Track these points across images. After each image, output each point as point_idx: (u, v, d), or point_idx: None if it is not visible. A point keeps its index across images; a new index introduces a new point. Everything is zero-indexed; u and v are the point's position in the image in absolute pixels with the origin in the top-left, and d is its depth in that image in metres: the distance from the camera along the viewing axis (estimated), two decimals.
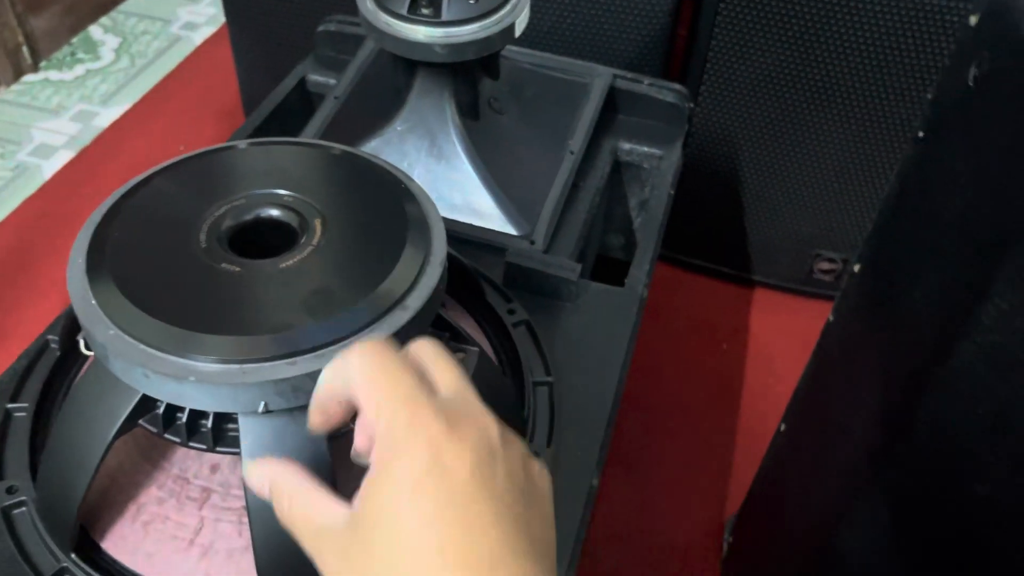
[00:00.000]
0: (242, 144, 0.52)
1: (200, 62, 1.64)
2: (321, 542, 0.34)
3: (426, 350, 0.36)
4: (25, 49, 1.58)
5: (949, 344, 0.42)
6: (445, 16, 0.62)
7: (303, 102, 0.87)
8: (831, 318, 0.67)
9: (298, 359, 0.40)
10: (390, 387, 0.33)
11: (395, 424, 0.32)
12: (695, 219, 1.21)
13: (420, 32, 0.63)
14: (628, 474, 1.04)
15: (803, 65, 1.00)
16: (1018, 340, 0.38)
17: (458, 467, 0.31)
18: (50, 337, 0.56)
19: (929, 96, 0.54)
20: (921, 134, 0.53)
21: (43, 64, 1.62)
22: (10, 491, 0.48)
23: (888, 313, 0.52)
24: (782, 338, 1.20)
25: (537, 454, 0.53)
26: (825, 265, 1.20)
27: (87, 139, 1.45)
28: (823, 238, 1.17)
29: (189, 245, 0.45)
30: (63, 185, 1.36)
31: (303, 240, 0.46)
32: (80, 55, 1.65)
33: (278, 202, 0.48)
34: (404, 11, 0.63)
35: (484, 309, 0.62)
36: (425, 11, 0.62)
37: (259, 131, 0.79)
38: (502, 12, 0.64)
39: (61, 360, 0.55)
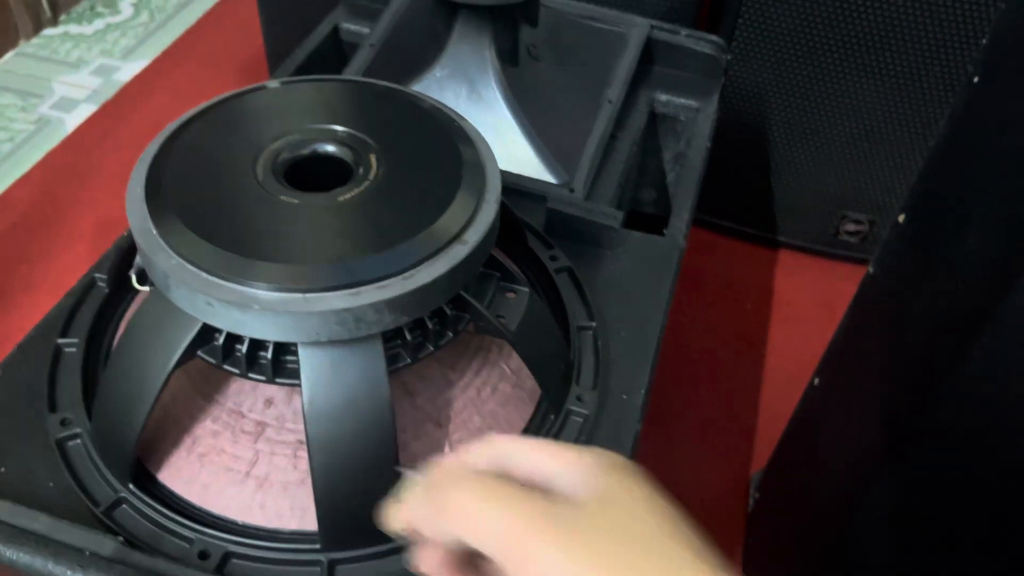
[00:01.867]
0: (289, 80, 0.52)
1: (221, 16, 1.62)
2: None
3: (503, 445, 0.32)
4: (44, 3, 1.57)
5: (1008, 280, 0.41)
6: None
7: (336, 52, 0.86)
8: (871, 270, 0.67)
9: (361, 289, 0.40)
10: (506, 526, 0.29)
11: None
12: (720, 178, 1.20)
13: None
14: (653, 429, 1.04)
15: (836, 19, 0.99)
16: None
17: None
18: (97, 275, 0.56)
19: (983, 41, 0.53)
20: (976, 79, 0.53)
21: (62, 18, 1.61)
22: (64, 423, 0.49)
23: (939, 258, 0.52)
24: (807, 299, 1.20)
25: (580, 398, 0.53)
26: (851, 227, 1.19)
27: (108, 93, 1.44)
28: (850, 199, 1.17)
29: (247, 178, 0.45)
30: (86, 138, 1.35)
31: (359, 174, 0.46)
32: (99, 9, 1.64)
33: (333, 137, 0.48)
34: None
35: (527, 255, 0.62)
36: None
37: None
38: None
39: (110, 297, 0.55)
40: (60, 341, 0.52)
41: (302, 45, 0.83)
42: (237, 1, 1.65)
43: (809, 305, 1.20)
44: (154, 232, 0.42)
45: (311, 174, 0.46)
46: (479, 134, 0.50)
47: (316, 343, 0.41)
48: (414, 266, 0.42)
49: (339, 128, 0.48)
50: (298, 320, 0.40)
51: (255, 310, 0.39)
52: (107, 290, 0.55)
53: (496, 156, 0.69)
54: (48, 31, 1.58)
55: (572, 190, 0.68)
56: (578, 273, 0.61)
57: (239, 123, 0.49)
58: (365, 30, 0.85)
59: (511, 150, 0.69)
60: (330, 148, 0.47)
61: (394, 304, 0.41)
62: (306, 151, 0.47)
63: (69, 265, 1.15)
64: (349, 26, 0.86)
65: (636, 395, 0.56)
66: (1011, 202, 0.43)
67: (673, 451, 1.03)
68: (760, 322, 1.18)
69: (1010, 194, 0.44)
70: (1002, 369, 0.42)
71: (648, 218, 0.92)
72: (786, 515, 0.81)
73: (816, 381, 0.76)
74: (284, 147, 0.47)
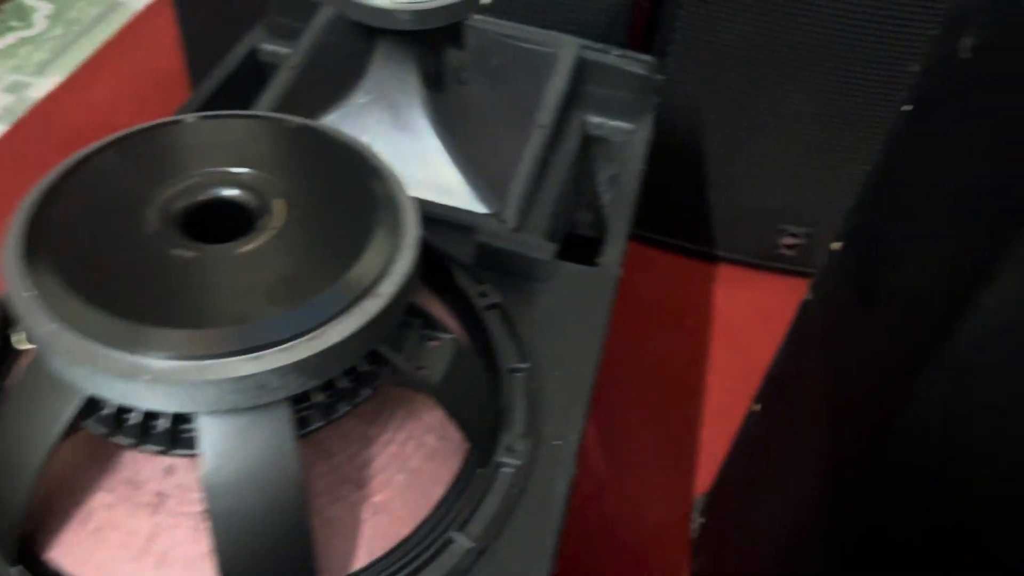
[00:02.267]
0: (193, 117, 0.48)
1: (140, 29, 1.56)
2: None
3: None
4: None
5: (949, 325, 0.40)
6: None
7: (254, 73, 0.82)
8: (809, 296, 0.66)
9: (262, 354, 0.37)
10: None
11: None
12: (658, 194, 1.19)
13: None
14: (597, 452, 1.02)
15: (770, 34, 0.98)
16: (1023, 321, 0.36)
17: None
18: None
19: (916, 67, 0.52)
20: (909, 107, 0.51)
21: None
22: None
23: (876, 292, 0.50)
24: (747, 313, 1.20)
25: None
26: (789, 240, 1.19)
27: (21, 111, 1.37)
28: (788, 213, 1.16)
29: (138, 228, 0.41)
30: None
31: (263, 222, 0.42)
32: (12, 23, 1.56)
33: (235, 180, 0.44)
34: None
35: (454, 292, 0.59)
36: None
37: (207, 105, 0.74)
38: None
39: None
40: None
41: (218, 67, 0.79)
42: (156, 14, 1.58)
43: (750, 320, 1.19)
44: (31, 292, 0.38)
45: (211, 222, 0.43)
46: (394, 174, 0.47)
47: (216, 412, 0.38)
48: (322, 325, 0.38)
49: (242, 170, 0.44)
50: (193, 390, 0.36)
51: (144, 381, 0.36)
52: None
53: (422, 186, 0.66)
54: None
55: (503, 220, 0.66)
56: (509, 310, 0.58)
57: (133, 165, 0.45)
58: (285, 50, 0.81)
59: (439, 179, 0.66)
60: (232, 192, 0.43)
61: (300, 368, 0.37)
62: (204, 197, 0.43)
63: None
64: (268, 47, 0.82)
65: (571, 440, 0.53)
66: (955, 242, 0.42)
67: (617, 475, 1.01)
68: (700, 339, 1.16)
69: (952, 232, 0.42)
70: (944, 414, 0.41)
71: (586, 240, 0.90)
72: (728, 542, 0.79)
73: (757, 407, 0.75)
74: (181, 193, 0.43)
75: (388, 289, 0.40)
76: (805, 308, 0.66)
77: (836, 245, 0.60)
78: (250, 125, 0.49)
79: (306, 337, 0.38)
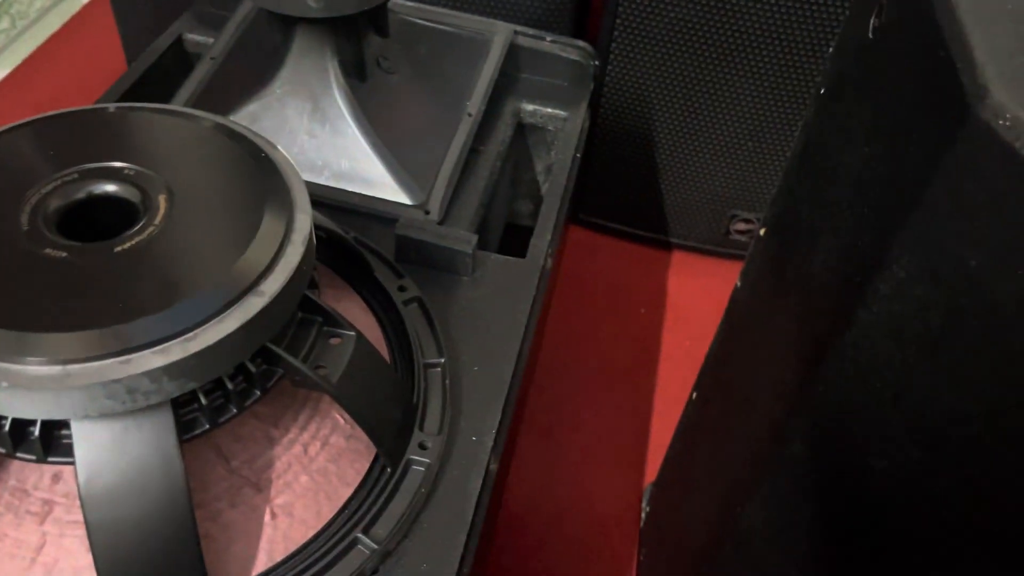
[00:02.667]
0: (81, 110, 0.47)
1: (86, 22, 1.53)
2: None
3: None
4: None
5: (847, 313, 0.39)
6: None
7: (181, 63, 0.80)
8: (738, 283, 0.65)
9: (131, 357, 0.35)
10: None
11: None
12: (609, 181, 1.18)
13: None
14: (545, 442, 1.01)
15: (716, 19, 0.97)
16: (915, 309, 0.35)
17: None
18: None
19: (830, 49, 0.51)
20: (823, 90, 0.50)
21: None
22: None
23: (790, 279, 0.49)
24: (700, 300, 1.19)
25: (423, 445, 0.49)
26: (741, 226, 1.18)
27: None
28: (739, 198, 1.16)
29: (8, 227, 0.39)
30: None
31: (144, 219, 0.41)
32: None
33: (117, 176, 0.42)
34: None
35: (373, 286, 0.57)
36: None
37: (129, 95, 0.72)
38: None
39: None
40: None
41: (140, 58, 0.77)
42: (103, 5, 1.55)
43: (702, 307, 1.18)
44: None
45: (91, 221, 0.41)
46: (291, 164, 0.45)
47: (88, 418, 0.36)
48: (198, 325, 0.37)
49: (127, 165, 0.43)
50: (59, 396, 0.35)
51: (5, 388, 0.34)
52: None
53: (344, 178, 0.65)
54: None
55: (427, 211, 0.64)
56: (430, 303, 0.57)
57: (10, 160, 0.43)
58: (211, 40, 0.79)
59: (361, 170, 0.65)
60: (111, 188, 0.42)
61: (174, 370, 0.36)
62: (82, 194, 0.41)
63: None
64: (195, 36, 0.80)
65: (487, 435, 0.52)
66: (852, 229, 0.41)
67: (566, 464, 1.00)
68: (653, 326, 1.16)
69: (850, 219, 0.41)
70: (842, 409, 0.40)
71: (528, 231, 0.89)
72: (671, 533, 0.79)
73: (694, 395, 0.74)
74: (57, 189, 0.41)
75: (271, 288, 0.39)
76: (735, 295, 0.65)
77: (762, 231, 0.59)
78: (146, 118, 0.47)
79: (181, 338, 0.36)
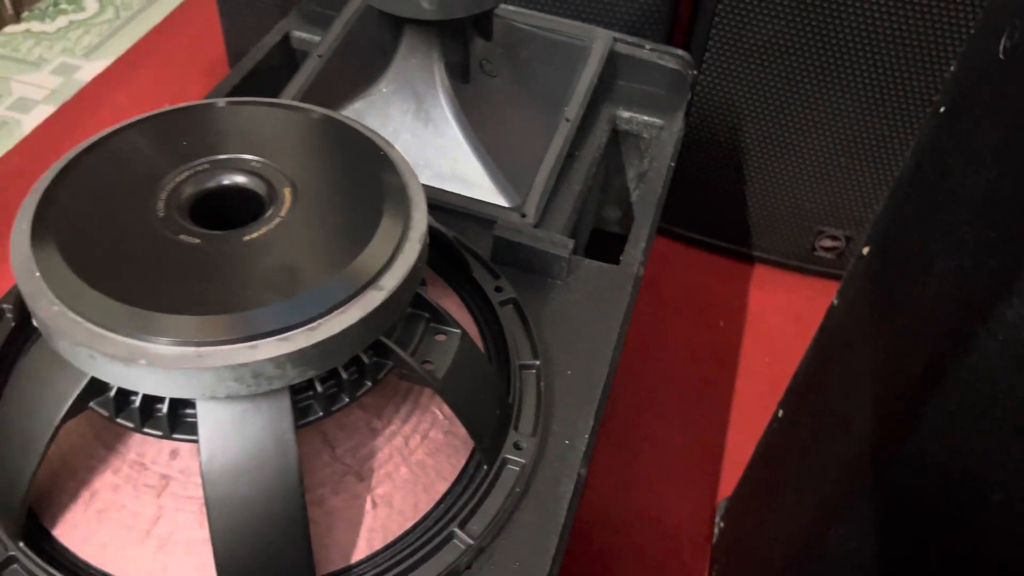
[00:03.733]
0: (205, 104, 0.49)
1: (187, 14, 1.58)
2: None
3: None
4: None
5: (967, 339, 0.38)
6: None
7: (287, 60, 0.83)
8: (835, 302, 0.64)
9: (259, 342, 0.37)
10: None
11: None
12: (693, 191, 1.17)
13: None
14: (619, 453, 1.01)
15: (814, 32, 0.96)
16: None
17: None
18: (4, 305, 0.52)
19: (952, 68, 0.50)
20: (942, 108, 0.49)
21: (25, 15, 1.56)
22: None
23: (898, 301, 0.48)
24: (780, 316, 1.17)
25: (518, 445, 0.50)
26: (828, 243, 1.16)
27: (68, 93, 1.40)
28: (827, 214, 1.14)
29: (146, 214, 0.41)
30: (42, 141, 1.31)
31: (271, 211, 0.42)
32: (63, 5, 1.59)
33: (245, 168, 0.44)
34: None
35: (470, 286, 0.58)
36: None
37: (237, 90, 0.75)
38: None
39: (16, 330, 0.51)
40: None
41: (249, 53, 0.79)
42: (201, 1, 1.60)
43: (783, 322, 1.17)
44: (37, 274, 0.38)
45: (220, 210, 0.43)
46: (408, 165, 0.46)
47: (214, 398, 0.38)
48: (322, 316, 0.38)
49: (252, 157, 0.44)
50: (190, 376, 0.36)
51: (142, 365, 0.36)
52: (13, 323, 0.51)
53: (444, 177, 0.66)
54: (10, 28, 1.54)
55: (524, 214, 0.65)
56: (524, 306, 0.58)
57: (144, 150, 0.45)
58: (317, 38, 0.81)
59: (460, 171, 0.66)
60: (240, 180, 0.43)
61: (298, 358, 0.37)
62: (213, 184, 0.43)
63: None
64: (301, 34, 0.82)
65: (579, 440, 0.52)
66: (975, 253, 0.40)
67: (637, 474, 1.00)
68: (732, 340, 1.14)
69: (973, 243, 0.40)
70: (956, 437, 0.39)
71: (614, 237, 0.89)
72: (748, 550, 0.78)
73: (780, 413, 0.73)
74: (190, 178, 0.43)
75: (390, 283, 0.40)
76: (830, 313, 0.64)
77: (864, 250, 0.58)
78: (266, 112, 0.49)
79: (305, 327, 0.38)
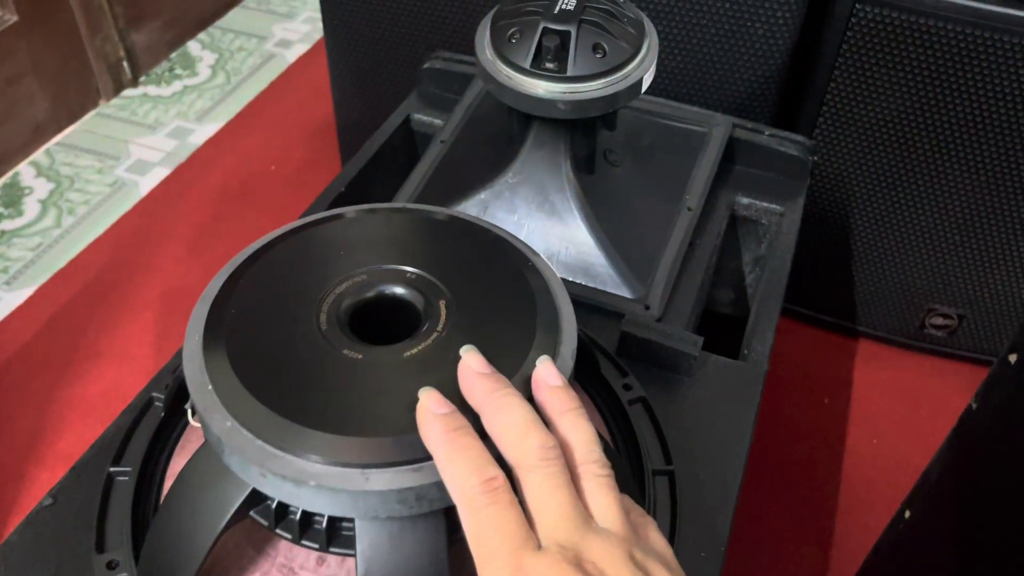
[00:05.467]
0: (359, 210, 0.50)
1: (293, 80, 1.64)
2: None
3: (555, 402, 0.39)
4: (125, 64, 1.61)
5: None
6: (571, 72, 0.59)
7: (406, 141, 0.85)
8: (973, 405, 0.61)
9: (423, 465, 0.37)
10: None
11: None
12: (799, 265, 1.15)
13: (541, 87, 0.60)
14: None
15: (929, 110, 0.94)
16: None
17: None
18: (154, 395, 0.54)
19: None
20: None
21: (142, 79, 1.65)
22: (111, 566, 0.46)
23: None
24: (888, 395, 1.14)
25: None
26: (939, 320, 1.13)
27: (182, 156, 1.46)
28: (938, 291, 1.10)
29: (309, 326, 0.42)
30: (158, 202, 1.37)
31: (427, 324, 0.43)
32: (178, 71, 1.67)
33: (401, 279, 0.45)
34: (527, 65, 0.59)
35: (598, 382, 0.58)
36: (549, 65, 0.59)
37: (363, 173, 0.77)
38: (629, 67, 0.60)
39: (165, 420, 0.53)
40: (112, 469, 0.51)
41: (374, 136, 0.82)
42: (308, 65, 1.66)
43: (891, 402, 1.13)
44: (210, 388, 0.40)
45: (376, 320, 0.44)
46: (554, 275, 0.47)
47: (376, 518, 0.38)
48: (484, 436, 0.38)
49: (409, 268, 0.45)
50: (355, 498, 0.37)
51: (310, 486, 0.37)
52: (163, 414, 0.53)
53: (566, 268, 0.66)
54: (128, 92, 1.62)
55: (647, 306, 0.65)
56: (653, 404, 0.57)
57: (304, 260, 0.46)
58: (436, 120, 0.84)
59: (585, 262, 0.66)
60: (398, 291, 0.44)
61: None
62: (372, 294, 0.44)
63: (135, 335, 1.15)
64: (420, 116, 0.85)
65: (716, 553, 0.51)
66: None
67: (741, 556, 0.97)
68: (837, 419, 1.11)
69: None
70: None
71: (723, 318, 0.88)
72: None
73: (907, 514, 0.70)
74: (349, 290, 0.44)
75: None
76: (968, 418, 0.61)
77: (1012, 357, 0.56)
78: (420, 220, 0.50)
79: None
